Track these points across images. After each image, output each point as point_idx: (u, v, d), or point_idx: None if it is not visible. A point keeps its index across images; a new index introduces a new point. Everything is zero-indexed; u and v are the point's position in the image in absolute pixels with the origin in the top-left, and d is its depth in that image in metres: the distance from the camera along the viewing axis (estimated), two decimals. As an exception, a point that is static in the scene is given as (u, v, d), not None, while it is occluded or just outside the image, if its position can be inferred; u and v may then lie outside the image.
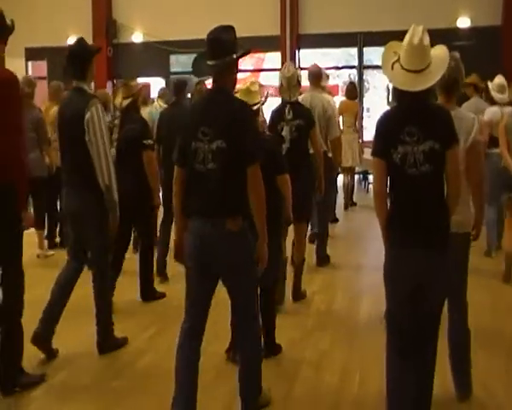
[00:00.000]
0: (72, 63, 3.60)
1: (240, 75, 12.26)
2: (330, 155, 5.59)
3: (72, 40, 13.73)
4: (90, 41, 12.69)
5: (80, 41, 3.72)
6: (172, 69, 13.81)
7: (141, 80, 13.43)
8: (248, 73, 12.30)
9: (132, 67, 11.90)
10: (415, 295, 2.64)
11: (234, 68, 2.78)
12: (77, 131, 3.48)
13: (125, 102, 4.45)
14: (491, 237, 5.98)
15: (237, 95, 3.25)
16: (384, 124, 2.68)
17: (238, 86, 3.34)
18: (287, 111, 4.56)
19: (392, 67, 2.54)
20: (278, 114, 4.67)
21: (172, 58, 13.64)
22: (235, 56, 2.71)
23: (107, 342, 3.81)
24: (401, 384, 2.70)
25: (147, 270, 4.92)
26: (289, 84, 4.52)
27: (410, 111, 2.57)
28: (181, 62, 14.65)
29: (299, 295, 4.82)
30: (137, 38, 13.16)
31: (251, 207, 2.71)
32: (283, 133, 4.54)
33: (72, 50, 3.66)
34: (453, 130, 2.60)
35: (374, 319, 4.42)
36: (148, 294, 4.90)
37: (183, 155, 2.78)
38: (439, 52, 2.61)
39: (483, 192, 3.07)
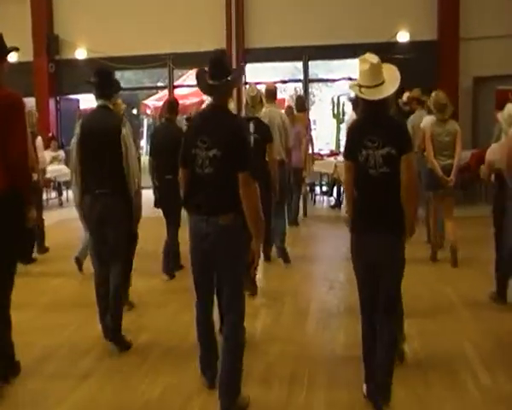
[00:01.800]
0: (101, 85, 4.11)
1: (187, 90, 12.22)
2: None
3: (10, 56, 13.36)
4: (30, 57, 12.60)
5: (108, 69, 4.33)
6: (118, 85, 13.61)
7: (84, 97, 13.25)
8: (195, 88, 12.23)
9: (76, 84, 11.62)
10: (373, 273, 3.16)
11: (230, 88, 3.28)
12: (112, 143, 3.98)
13: None
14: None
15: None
16: (353, 132, 3.31)
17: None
18: (251, 125, 5.07)
19: (361, 91, 3.11)
20: None
21: (118, 74, 13.43)
22: (229, 78, 3.12)
23: (118, 338, 4.10)
24: (372, 350, 3.20)
25: (125, 280, 4.76)
26: (254, 102, 5.15)
27: (373, 122, 3.13)
28: (126, 78, 14.49)
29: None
30: (81, 54, 12.91)
31: (244, 211, 3.05)
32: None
33: (103, 75, 4.15)
34: (408, 139, 3.14)
35: (320, 332, 4.44)
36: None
37: (185, 159, 3.23)
38: (391, 72, 3.15)
39: (414, 197, 3.18)
